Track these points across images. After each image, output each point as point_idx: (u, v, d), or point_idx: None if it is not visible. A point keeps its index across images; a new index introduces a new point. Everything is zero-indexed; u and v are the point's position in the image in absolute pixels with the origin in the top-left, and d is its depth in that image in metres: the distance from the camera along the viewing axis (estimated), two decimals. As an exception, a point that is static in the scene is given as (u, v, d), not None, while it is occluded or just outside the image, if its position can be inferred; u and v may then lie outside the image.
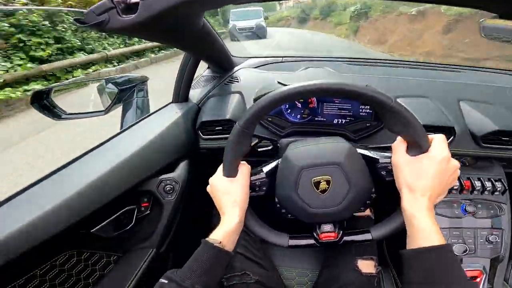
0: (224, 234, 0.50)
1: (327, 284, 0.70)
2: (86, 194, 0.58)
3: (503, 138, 0.76)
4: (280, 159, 0.56)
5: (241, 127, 0.49)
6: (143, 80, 0.94)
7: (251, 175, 0.56)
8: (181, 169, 0.81)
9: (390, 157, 0.51)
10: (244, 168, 0.55)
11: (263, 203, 0.57)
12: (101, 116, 0.87)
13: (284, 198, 0.54)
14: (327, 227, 0.54)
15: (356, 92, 0.45)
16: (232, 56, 1.11)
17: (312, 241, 0.55)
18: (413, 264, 0.42)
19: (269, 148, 0.76)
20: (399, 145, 0.49)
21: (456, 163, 0.47)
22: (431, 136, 0.47)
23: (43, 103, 0.84)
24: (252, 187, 0.56)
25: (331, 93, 0.46)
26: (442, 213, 0.79)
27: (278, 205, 0.57)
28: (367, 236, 0.53)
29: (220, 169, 0.55)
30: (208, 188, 0.57)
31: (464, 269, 0.74)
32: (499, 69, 1.01)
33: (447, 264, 0.40)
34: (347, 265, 0.68)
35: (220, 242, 0.48)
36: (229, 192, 0.53)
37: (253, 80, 0.99)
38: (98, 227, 0.64)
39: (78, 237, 0.63)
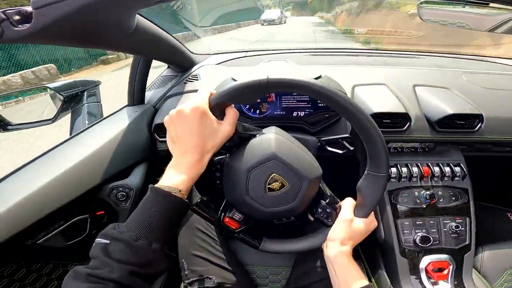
0: (186, 181, 0.40)
1: (298, 281, 0.69)
2: (26, 205, 0.56)
3: (458, 122, 0.75)
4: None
5: (268, 80, 0.41)
6: (95, 84, 0.89)
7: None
8: (136, 174, 0.77)
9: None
10: (232, 113, 0.44)
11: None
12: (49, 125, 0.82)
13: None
14: (238, 216, 0.51)
15: (358, 116, 0.44)
16: (193, 53, 1.08)
17: (212, 219, 0.51)
18: None
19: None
20: (350, 204, 0.52)
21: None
22: None
23: (-16, 116, 0.78)
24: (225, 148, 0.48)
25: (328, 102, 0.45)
26: (403, 202, 0.77)
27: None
28: (256, 244, 0.54)
29: (202, 98, 0.43)
30: (174, 115, 0.43)
31: (430, 261, 0.73)
32: (454, 54, 1.02)
33: None
34: (316, 262, 0.68)
35: (180, 190, 0.39)
36: (213, 132, 0.42)
37: (213, 77, 0.96)
38: (44, 238, 0.63)
39: (24, 248, 0.61)
